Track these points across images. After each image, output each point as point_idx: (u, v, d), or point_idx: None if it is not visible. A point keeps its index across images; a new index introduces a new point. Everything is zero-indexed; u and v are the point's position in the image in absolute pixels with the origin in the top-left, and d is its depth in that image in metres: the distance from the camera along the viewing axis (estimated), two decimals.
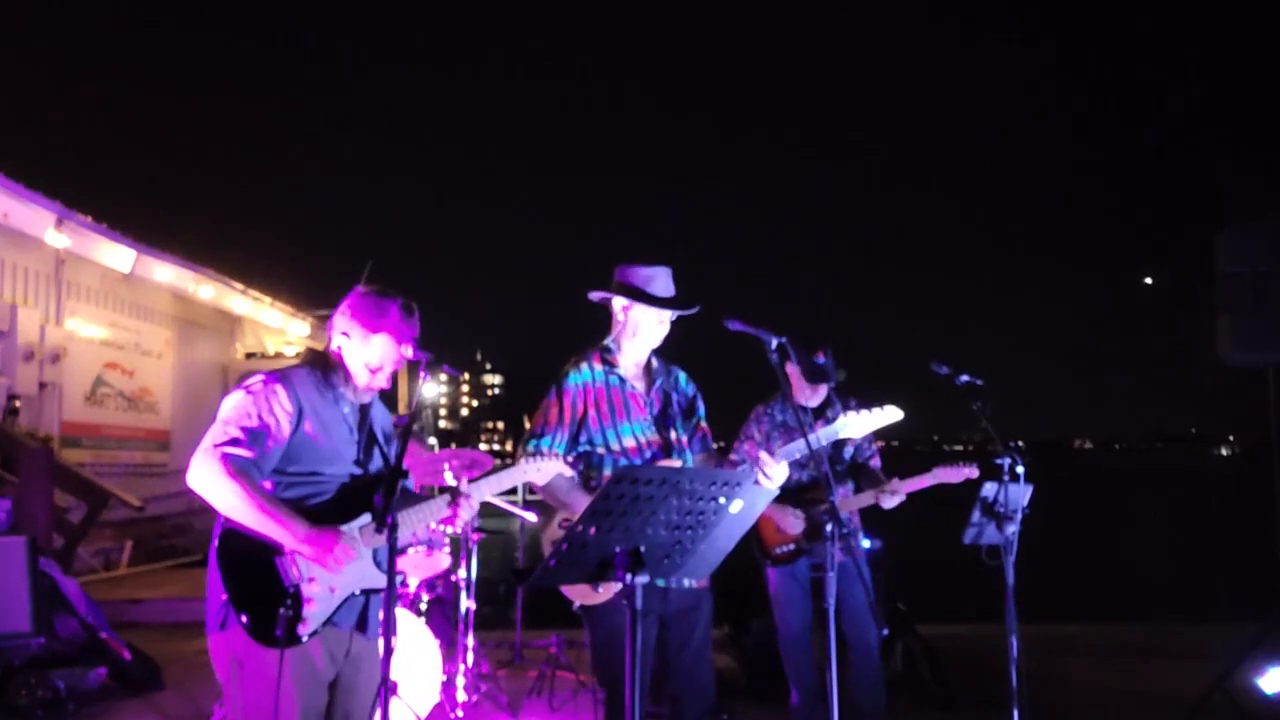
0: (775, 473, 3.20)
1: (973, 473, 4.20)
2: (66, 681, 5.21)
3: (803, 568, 4.60)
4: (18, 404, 9.53)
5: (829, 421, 3.56)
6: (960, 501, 4.20)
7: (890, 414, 3.49)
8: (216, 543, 2.64)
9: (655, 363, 3.54)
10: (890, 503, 4.34)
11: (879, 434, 4.39)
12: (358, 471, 2.82)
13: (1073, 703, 5.61)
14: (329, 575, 2.65)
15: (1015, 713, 3.72)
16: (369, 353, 2.80)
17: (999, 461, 3.88)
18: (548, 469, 3.01)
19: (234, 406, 2.68)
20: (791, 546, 4.56)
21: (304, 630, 2.60)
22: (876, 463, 4.68)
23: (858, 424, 3.43)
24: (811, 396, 4.55)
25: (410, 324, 2.83)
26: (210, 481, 2.57)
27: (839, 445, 4.54)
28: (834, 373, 4.49)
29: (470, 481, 2.90)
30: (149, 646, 5.99)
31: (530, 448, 3.36)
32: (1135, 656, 6.88)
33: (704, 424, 3.59)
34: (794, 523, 4.50)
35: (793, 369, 4.49)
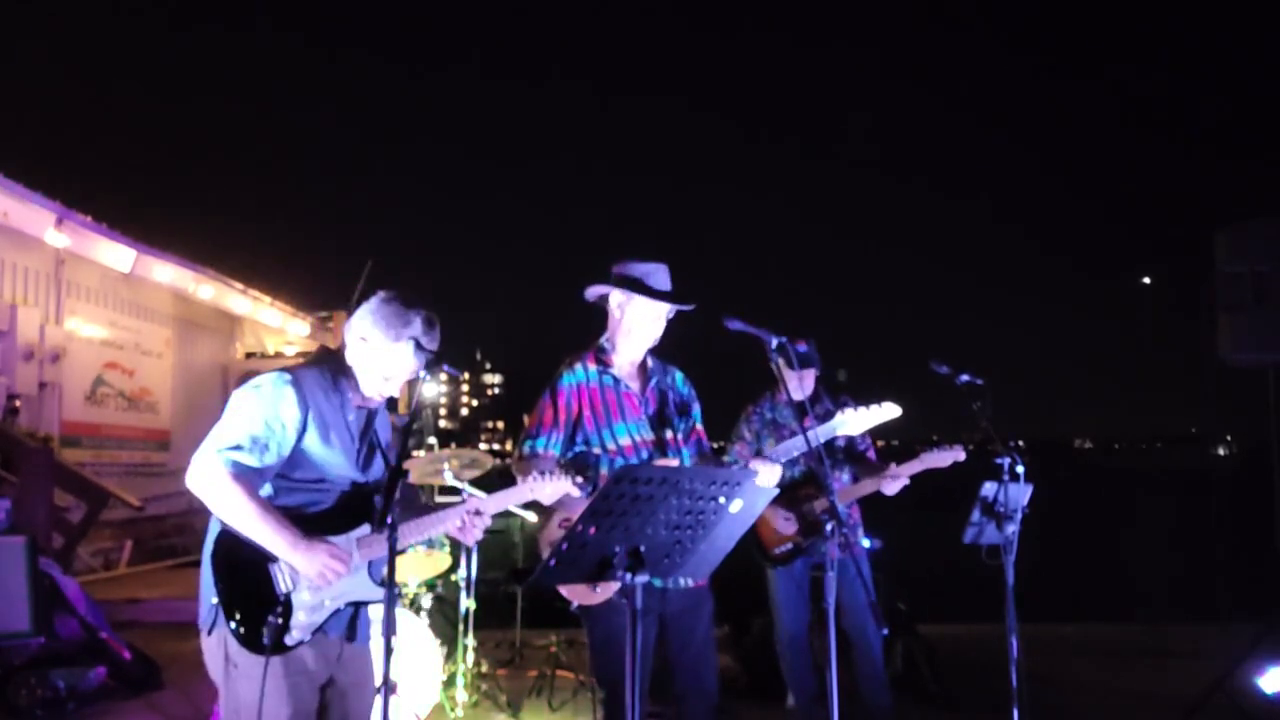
0: (767, 475, 3.19)
1: (959, 455, 4.11)
2: (66, 681, 5.21)
3: (799, 568, 4.55)
4: (18, 404, 9.52)
5: (818, 417, 3.52)
6: (960, 501, 4.20)
7: (888, 411, 3.48)
8: (211, 545, 2.63)
9: (651, 362, 3.53)
10: (893, 488, 4.23)
11: (879, 434, 4.36)
12: (359, 478, 2.78)
13: (1073, 703, 5.60)
14: (319, 587, 2.63)
15: (1015, 713, 3.72)
16: (386, 361, 2.74)
17: (999, 461, 3.87)
18: (555, 489, 2.92)
19: (241, 408, 2.63)
20: (789, 546, 4.49)
21: (291, 640, 2.60)
22: (872, 454, 4.63)
23: (856, 421, 3.41)
24: (799, 387, 4.48)
25: (431, 337, 2.74)
26: (210, 485, 2.55)
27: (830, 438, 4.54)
28: (818, 361, 4.45)
29: (472, 499, 2.90)
30: (149, 646, 5.99)
31: (525, 449, 3.36)
32: (1135, 656, 6.87)
33: (699, 427, 3.57)
34: (785, 523, 4.45)
35: (783, 364, 4.47)
